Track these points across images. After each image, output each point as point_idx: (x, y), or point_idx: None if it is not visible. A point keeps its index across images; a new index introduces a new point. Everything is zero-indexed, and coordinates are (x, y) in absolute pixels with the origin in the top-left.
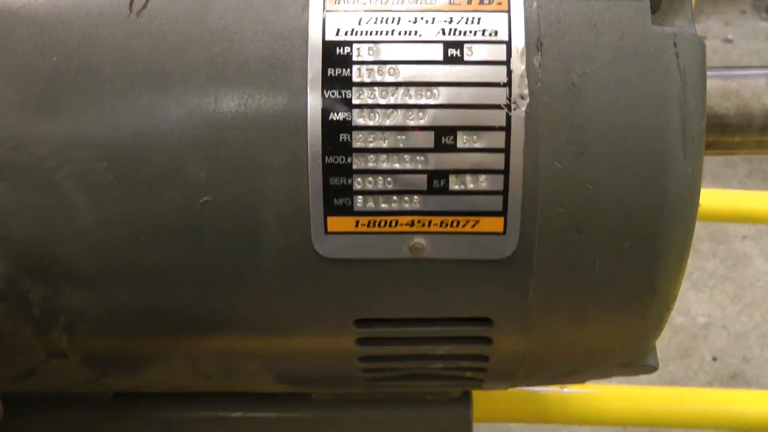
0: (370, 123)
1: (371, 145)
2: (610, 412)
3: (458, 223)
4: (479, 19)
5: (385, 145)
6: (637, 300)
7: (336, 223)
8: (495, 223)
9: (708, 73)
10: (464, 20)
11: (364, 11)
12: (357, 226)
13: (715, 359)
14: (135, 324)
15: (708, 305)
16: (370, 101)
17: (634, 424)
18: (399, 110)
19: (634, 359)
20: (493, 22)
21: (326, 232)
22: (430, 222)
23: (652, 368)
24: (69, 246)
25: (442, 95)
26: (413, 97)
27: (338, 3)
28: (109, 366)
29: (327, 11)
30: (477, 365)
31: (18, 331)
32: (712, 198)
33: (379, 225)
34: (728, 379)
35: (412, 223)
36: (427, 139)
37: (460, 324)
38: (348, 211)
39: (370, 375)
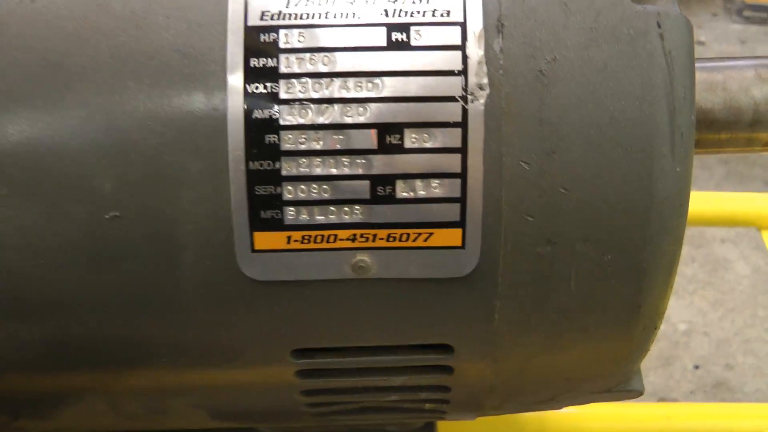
0: (302, 121)
1: (303, 147)
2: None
3: (408, 236)
4: None
5: (319, 146)
6: (620, 320)
7: (264, 239)
8: (452, 236)
9: None
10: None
11: None
12: (289, 242)
13: (697, 367)
14: (43, 360)
15: (688, 311)
16: (300, 95)
17: None
18: (335, 105)
19: (616, 384)
20: (445, 0)
21: (253, 250)
22: (375, 236)
23: (638, 393)
24: None
25: (387, 87)
26: (352, 90)
27: None
28: (20, 409)
29: None
30: (438, 396)
31: None
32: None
33: (314, 240)
34: (711, 387)
35: (354, 238)
36: (368, 139)
37: (416, 352)
38: (278, 225)
39: (315, 410)
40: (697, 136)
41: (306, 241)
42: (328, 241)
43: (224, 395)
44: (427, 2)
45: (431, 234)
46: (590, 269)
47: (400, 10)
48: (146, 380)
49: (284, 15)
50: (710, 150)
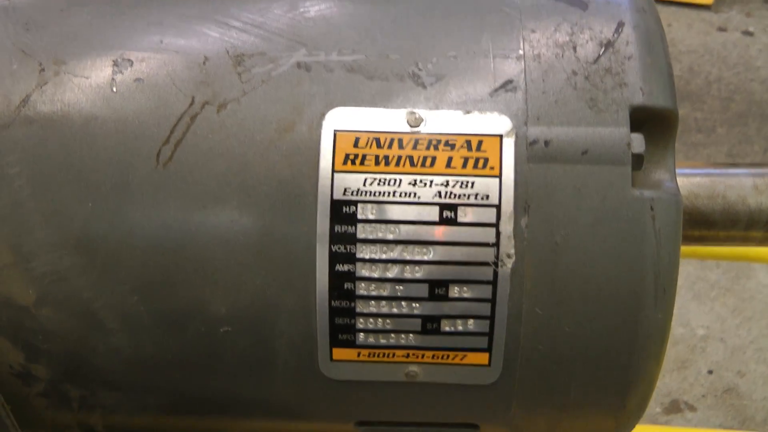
0: (373, 275)
1: (373, 293)
2: None
3: (448, 356)
4: (473, 183)
5: (384, 293)
6: (609, 413)
7: (340, 353)
8: (481, 358)
9: (697, 171)
10: (459, 184)
11: (369, 173)
12: (359, 356)
13: (710, 372)
14: (162, 414)
15: (708, 317)
16: (372, 256)
17: None
18: (397, 265)
19: None
20: (485, 186)
21: (332, 360)
22: (423, 355)
23: None
24: (105, 360)
25: (437, 253)
26: (411, 254)
27: (345, 164)
28: None
29: (335, 172)
30: None
31: (59, 416)
32: None
33: (378, 356)
34: (722, 392)
35: (408, 355)
36: (421, 290)
37: (451, 427)
38: (351, 344)
39: None
40: (698, 233)
41: (372, 356)
42: (388, 357)
43: None
44: (471, 187)
45: (465, 356)
46: (585, 381)
47: (450, 193)
48: (242, 429)
49: (361, 192)
50: (710, 244)
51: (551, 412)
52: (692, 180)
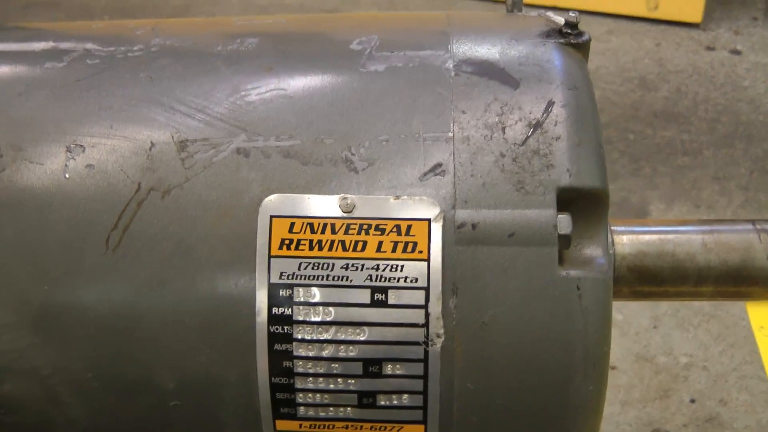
0: (309, 354)
1: (310, 371)
2: None
3: (385, 428)
4: (402, 266)
5: (321, 371)
6: None
7: (283, 425)
8: (416, 430)
9: (646, 228)
10: (389, 268)
11: (303, 257)
12: (300, 427)
13: (693, 401)
14: None
15: (691, 344)
16: (308, 337)
17: None
18: (332, 345)
19: None
20: (414, 269)
21: (275, 430)
22: (361, 426)
23: None
24: (64, 430)
25: (369, 333)
26: (344, 334)
27: (281, 249)
28: None
29: (272, 257)
30: None
31: None
32: None
33: (319, 428)
34: (704, 422)
35: (347, 427)
36: (356, 368)
37: None
38: (292, 416)
39: None
40: (648, 289)
41: (313, 427)
42: (328, 428)
43: None
44: (401, 270)
45: (402, 428)
46: None
47: (381, 276)
48: None
49: (297, 276)
50: (660, 299)
51: None
52: (641, 238)
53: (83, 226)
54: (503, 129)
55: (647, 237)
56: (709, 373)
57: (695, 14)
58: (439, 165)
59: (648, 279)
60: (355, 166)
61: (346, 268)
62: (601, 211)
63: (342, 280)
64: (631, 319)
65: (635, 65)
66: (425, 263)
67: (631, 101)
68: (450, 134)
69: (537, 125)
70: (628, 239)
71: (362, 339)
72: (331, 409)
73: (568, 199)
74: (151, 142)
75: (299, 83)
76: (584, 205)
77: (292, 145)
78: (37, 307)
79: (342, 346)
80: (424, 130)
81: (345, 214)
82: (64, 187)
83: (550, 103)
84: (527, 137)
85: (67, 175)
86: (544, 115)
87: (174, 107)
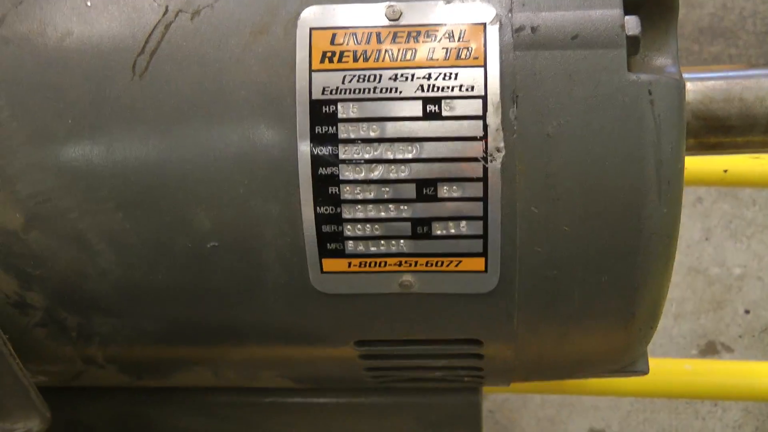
0: (357, 177)
1: (359, 197)
2: (628, 383)
3: (442, 263)
4: (456, 74)
5: (371, 196)
6: (618, 325)
7: (330, 264)
8: (476, 263)
9: (711, 74)
10: (442, 76)
11: (348, 69)
12: (350, 266)
13: (747, 312)
14: (160, 342)
15: (745, 255)
16: (355, 156)
17: (652, 395)
18: (382, 164)
19: (623, 366)
20: (470, 77)
21: (322, 272)
22: (416, 262)
23: (642, 372)
24: (96, 283)
25: (422, 150)
26: (395, 152)
27: (323, 62)
28: (142, 372)
29: (313, 71)
30: (473, 374)
31: (59, 348)
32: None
33: (369, 266)
34: (760, 332)
35: (400, 263)
36: (409, 191)
37: (453, 344)
38: (340, 254)
39: (377, 380)
40: (715, 140)
41: (363, 266)
42: (379, 266)
43: (304, 370)
44: (455, 78)
45: (460, 261)
46: (590, 287)
47: (433, 86)
48: (240, 356)
49: (341, 90)
50: (729, 151)
51: (556, 323)
52: (706, 84)
53: (107, 54)
54: None
55: (712, 82)
56: (763, 284)
57: None
58: None
59: (715, 127)
60: None
61: (395, 79)
62: (669, 18)
63: (391, 92)
64: (682, 231)
65: None
66: (481, 69)
67: None
68: None
69: None
70: (692, 85)
71: (414, 156)
72: (383, 242)
73: (635, 4)
74: None
75: None
76: (652, 10)
77: None
78: (62, 144)
79: (393, 166)
80: None
81: (392, 22)
82: (86, 16)
83: None
84: None
85: (89, 3)
86: None
87: None
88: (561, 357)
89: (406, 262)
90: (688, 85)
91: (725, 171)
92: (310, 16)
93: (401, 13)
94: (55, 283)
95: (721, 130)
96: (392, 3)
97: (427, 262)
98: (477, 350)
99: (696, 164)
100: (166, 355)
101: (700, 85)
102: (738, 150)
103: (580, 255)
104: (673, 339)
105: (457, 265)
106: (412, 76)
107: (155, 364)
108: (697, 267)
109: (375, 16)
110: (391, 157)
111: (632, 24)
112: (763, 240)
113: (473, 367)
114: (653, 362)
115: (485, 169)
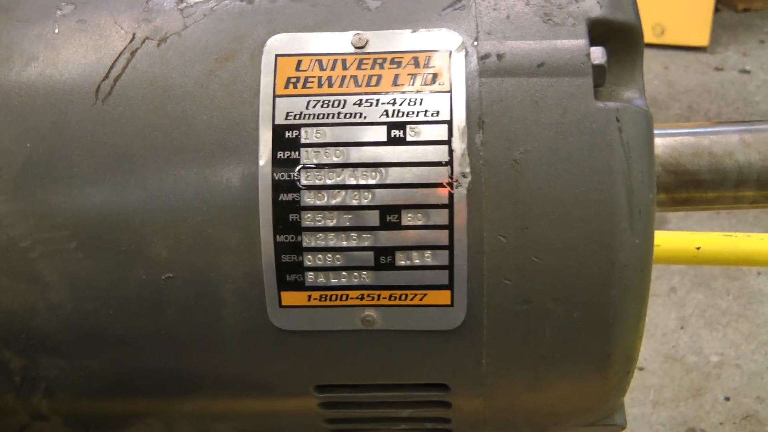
0: (318, 203)
1: (320, 224)
2: None
3: (406, 296)
4: (422, 100)
5: (332, 223)
6: (593, 366)
7: (289, 297)
8: (442, 296)
9: (680, 130)
10: (407, 101)
11: (312, 95)
12: (309, 300)
13: (728, 399)
14: (110, 389)
15: (721, 344)
16: (317, 182)
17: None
18: (345, 190)
19: (599, 419)
20: (435, 102)
21: (281, 305)
22: (379, 296)
23: (620, 427)
24: (44, 319)
25: (387, 175)
26: (358, 178)
27: (287, 87)
28: (89, 427)
29: (277, 96)
30: (441, 426)
31: (1, 397)
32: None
33: (330, 299)
34: (741, 419)
35: (362, 297)
36: (372, 218)
37: (418, 390)
38: (300, 286)
39: None
40: (686, 195)
41: (323, 299)
42: (341, 300)
43: (260, 421)
44: (420, 104)
45: (425, 294)
46: (562, 324)
47: (398, 111)
48: (194, 407)
49: (304, 115)
50: (699, 207)
51: (527, 365)
52: (675, 138)
53: (72, 79)
54: None
55: (681, 138)
56: (743, 371)
57: (702, 38)
58: (459, 0)
59: (686, 182)
60: (367, 4)
61: (360, 104)
62: (635, 52)
63: (355, 117)
64: (656, 321)
65: (645, 87)
66: (447, 95)
67: None
68: None
69: None
70: (662, 140)
71: (378, 182)
72: (344, 273)
73: (601, 36)
74: None
75: None
76: (618, 43)
77: None
78: (19, 169)
79: (356, 192)
80: None
81: (358, 50)
82: (53, 42)
83: None
84: None
85: (56, 30)
86: None
87: None
88: (534, 406)
89: (368, 295)
90: (657, 140)
91: (698, 248)
92: (277, 43)
93: (367, 41)
94: (1, 321)
95: (691, 183)
96: (359, 32)
97: (390, 296)
98: (444, 397)
99: (668, 242)
100: (116, 403)
101: (669, 140)
102: (710, 206)
103: (550, 288)
104: (653, 426)
105: (421, 299)
106: (377, 101)
107: (104, 414)
108: (674, 355)
109: (341, 44)
110: (354, 182)
111: (597, 54)
112: (738, 329)
113: (440, 417)
114: None
115: (451, 195)
